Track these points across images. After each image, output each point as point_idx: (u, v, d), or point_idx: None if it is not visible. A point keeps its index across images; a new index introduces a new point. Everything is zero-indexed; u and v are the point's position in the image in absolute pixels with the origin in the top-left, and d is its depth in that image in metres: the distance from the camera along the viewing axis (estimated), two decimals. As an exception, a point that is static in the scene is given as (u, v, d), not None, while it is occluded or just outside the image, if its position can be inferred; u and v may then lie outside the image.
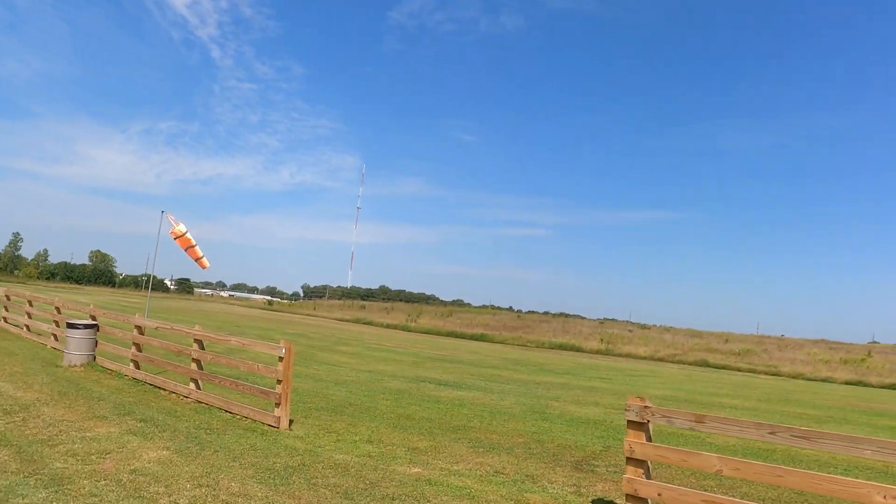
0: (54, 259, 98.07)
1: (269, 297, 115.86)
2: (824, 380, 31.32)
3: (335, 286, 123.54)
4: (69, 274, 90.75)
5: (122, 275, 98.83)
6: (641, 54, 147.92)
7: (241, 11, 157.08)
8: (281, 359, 7.61)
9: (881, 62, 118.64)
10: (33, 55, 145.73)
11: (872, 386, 29.76)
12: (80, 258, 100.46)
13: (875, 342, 63.37)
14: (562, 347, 43.60)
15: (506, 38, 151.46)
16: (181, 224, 10.04)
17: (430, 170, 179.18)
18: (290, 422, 7.86)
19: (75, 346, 10.05)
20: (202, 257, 10.08)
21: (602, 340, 46.32)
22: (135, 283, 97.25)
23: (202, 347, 8.83)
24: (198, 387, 8.70)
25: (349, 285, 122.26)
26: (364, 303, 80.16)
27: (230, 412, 8.09)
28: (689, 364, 36.70)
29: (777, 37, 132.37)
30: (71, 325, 10.11)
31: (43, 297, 13.32)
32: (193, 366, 8.71)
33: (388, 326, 52.97)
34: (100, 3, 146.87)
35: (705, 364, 36.83)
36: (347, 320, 57.99)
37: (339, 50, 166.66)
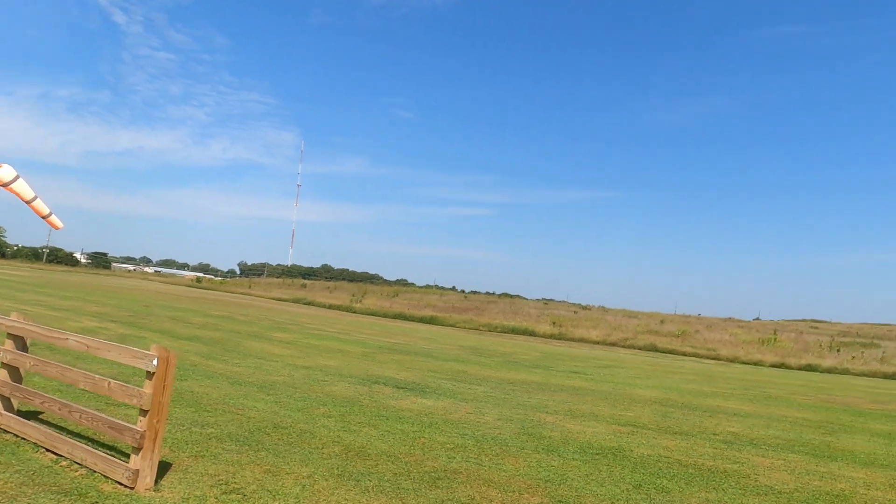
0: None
1: (199, 274, 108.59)
2: (756, 363, 31.77)
3: (275, 264, 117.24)
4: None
5: (16, 246, 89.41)
6: (574, 31, 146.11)
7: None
8: (150, 375, 4.39)
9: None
10: None
11: (793, 368, 30.49)
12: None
13: (758, 318, 66.98)
14: (514, 331, 41.66)
15: (438, 12, 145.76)
16: (5, 167, 6.36)
17: (371, 148, 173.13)
18: (162, 471, 4.69)
19: None
20: (50, 215, 6.52)
21: (554, 324, 44.87)
22: (34, 254, 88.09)
23: (23, 348, 5.43)
24: (9, 407, 5.32)
25: (290, 263, 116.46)
26: (305, 281, 75.78)
27: (55, 453, 4.81)
28: (640, 349, 35.86)
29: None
30: None
31: None
32: (4, 374, 5.31)
33: (331, 307, 49.35)
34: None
35: (654, 348, 36.05)
36: (286, 300, 53.83)
37: (263, 21, 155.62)
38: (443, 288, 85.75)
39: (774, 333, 41.42)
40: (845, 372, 28.66)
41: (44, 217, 6.60)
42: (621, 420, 9.21)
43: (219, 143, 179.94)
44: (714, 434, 8.50)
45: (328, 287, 66.92)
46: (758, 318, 68.42)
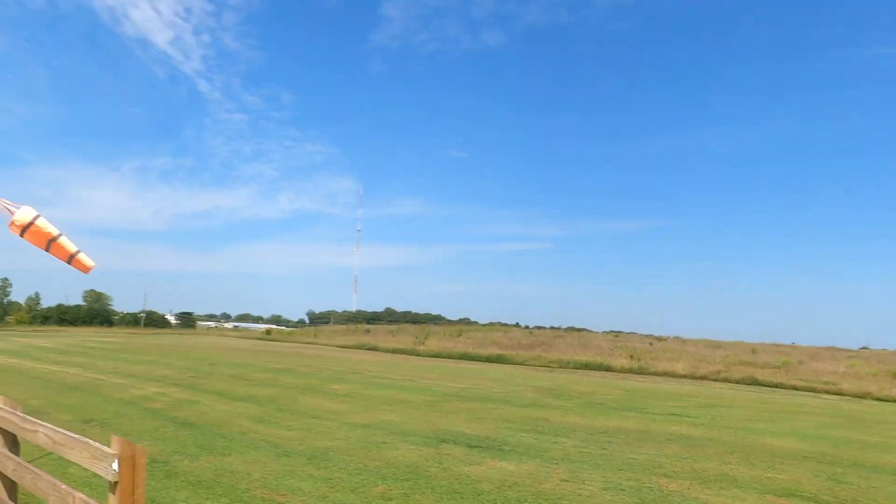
0: (48, 302, 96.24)
1: (271, 326, 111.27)
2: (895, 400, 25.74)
3: (340, 311, 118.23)
4: (63, 316, 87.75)
5: (122, 312, 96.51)
6: (618, 63, 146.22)
7: (225, 45, 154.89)
8: (114, 486, 3.09)
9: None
10: (15, 102, 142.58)
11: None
12: (76, 299, 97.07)
13: (865, 347, 58.09)
14: (588, 367, 38.71)
15: (488, 54, 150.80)
16: (24, 208, 5.37)
17: (427, 188, 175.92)
18: None
19: None
20: (77, 253, 5.28)
21: (631, 357, 41.43)
22: (134, 320, 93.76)
23: (13, 448, 4.31)
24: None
25: (354, 309, 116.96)
26: (369, 327, 75.43)
27: None
28: (737, 382, 31.44)
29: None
30: None
31: None
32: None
33: (394, 351, 48.24)
34: (77, 46, 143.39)
35: (755, 382, 31.47)
36: (351, 346, 53.22)
37: (324, 74, 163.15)
38: (506, 325, 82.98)
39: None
40: None
41: (71, 255, 5.39)
42: (773, 487, 7.15)
43: (285, 195, 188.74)
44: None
45: (391, 331, 66.11)
46: (865, 347, 60.12)
